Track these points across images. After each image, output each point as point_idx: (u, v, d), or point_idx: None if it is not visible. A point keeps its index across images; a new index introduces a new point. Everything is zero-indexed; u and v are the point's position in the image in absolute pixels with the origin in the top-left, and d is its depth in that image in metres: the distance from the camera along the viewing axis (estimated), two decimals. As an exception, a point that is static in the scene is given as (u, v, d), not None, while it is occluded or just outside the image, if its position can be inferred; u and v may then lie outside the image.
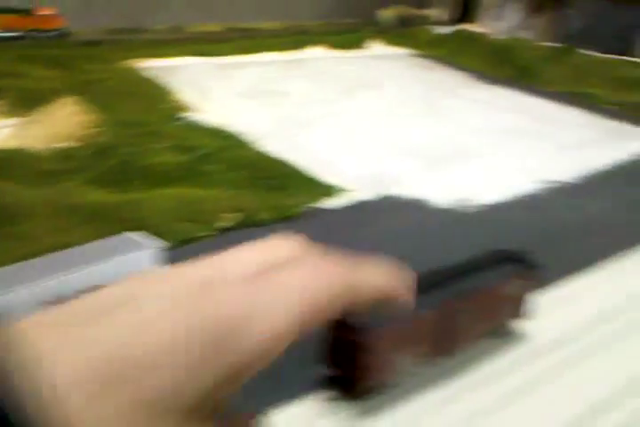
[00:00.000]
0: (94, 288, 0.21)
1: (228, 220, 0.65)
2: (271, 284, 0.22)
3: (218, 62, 1.51)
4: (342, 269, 0.23)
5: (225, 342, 0.20)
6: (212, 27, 2.04)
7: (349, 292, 0.23)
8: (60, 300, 0.21)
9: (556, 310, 0.53)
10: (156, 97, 1.12)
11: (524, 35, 2.30)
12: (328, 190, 0.78)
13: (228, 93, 1.23)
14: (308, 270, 0.23)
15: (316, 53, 1.70)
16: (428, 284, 0.38)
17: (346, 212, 0.72)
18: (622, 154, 1.00)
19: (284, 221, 0.68)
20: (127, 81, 1.19)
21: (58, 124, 0.89)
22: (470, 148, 1.00)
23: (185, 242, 0.61)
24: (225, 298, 0.21)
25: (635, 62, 1.60)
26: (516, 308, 0.45)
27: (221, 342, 0.20)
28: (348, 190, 0.79)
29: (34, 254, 0.43)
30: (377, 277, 0.25)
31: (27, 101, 1.04)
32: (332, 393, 0.38)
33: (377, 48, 1.86)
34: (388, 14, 2.36)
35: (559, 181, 0.85)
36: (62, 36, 1.53)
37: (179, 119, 1.01)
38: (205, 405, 0.21)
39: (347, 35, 1.94)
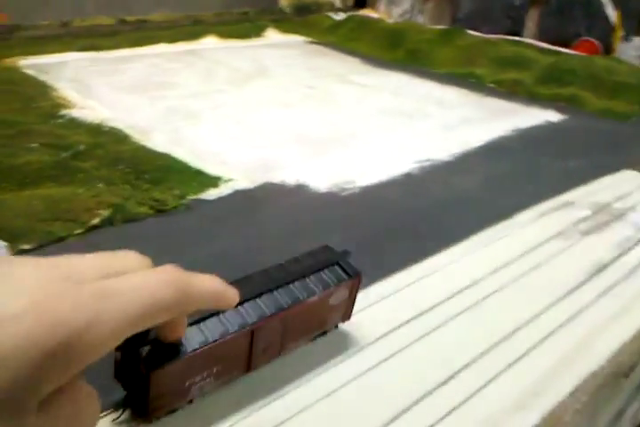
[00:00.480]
0: None
1: (100, 216, 0.64)
2: (111, 288, 0.24)
3: (106, 57, 1.47)
4: (174, 277, 0.27)
5: (65, 341, 0.22)
6: (103, 20, 1.97)
7: (181, 297, 0.26)
8: None
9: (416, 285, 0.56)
10: (34, 95, 1.07)
11: (417, 19, 2.36)
12: (210, 181, 0.78)
13: (113, 88, 1.19)
14: (144, 279, 0.26)
15: (210, 44, 1.68)
16: (249, 294, 0.35)
17: (224, 202, 0.72)
18: (500, 131, 1.05)
19: (161, 214, 0.68)
20: (4, 80, 1.14)
21: None
22: (356, 132, 1.02)
23: (54, 242, 0.60)
24: (71, 299, 0.23)
25: (514, 41, 1.68)
26: (339, 314, 0.43)
27: (62, 340, 0.21)
28: (230, 180, 0.79)
29: None
30: (207, 284, 0.29)
31: None
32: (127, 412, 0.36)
33: (273, 37, 1.86)
34: (286, 2, 2.36)
35: (437, 160, 0.89)
36: None
37: (57, 117, 0.98)
38: (23, 398, 0.22)
39: (243, 24, 1.92)
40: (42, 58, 1.37)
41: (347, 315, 0.44)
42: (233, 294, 0.31)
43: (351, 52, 1.69)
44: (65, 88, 1.14)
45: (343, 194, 0.74)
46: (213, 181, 0.76)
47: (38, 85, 1.14)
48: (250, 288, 0.36)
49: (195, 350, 0.32)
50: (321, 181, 0.77)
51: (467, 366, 0.43)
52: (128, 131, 0.92)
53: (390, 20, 2.04)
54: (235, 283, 0.33)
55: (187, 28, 1.84)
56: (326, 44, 1.77)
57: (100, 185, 0.69)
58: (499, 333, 0.48)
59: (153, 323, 0.25)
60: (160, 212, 0.67)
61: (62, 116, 0.96)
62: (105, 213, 0.61)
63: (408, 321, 0.51)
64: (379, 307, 0.52)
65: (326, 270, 0.39)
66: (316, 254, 0.41)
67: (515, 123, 1.07)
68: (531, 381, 0.42)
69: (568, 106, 1.22)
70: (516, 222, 0.69)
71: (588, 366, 0.43)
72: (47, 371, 0.22)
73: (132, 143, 0.86)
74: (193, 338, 0.32)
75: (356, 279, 0.42)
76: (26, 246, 0.58)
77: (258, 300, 0.35)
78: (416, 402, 0.41)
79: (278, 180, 0.78)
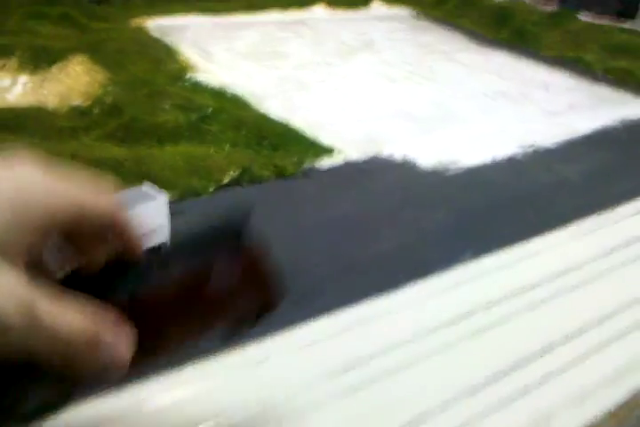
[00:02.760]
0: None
1: (230, 176, 0.71)
2: None
3: (222, 22, 1.54)
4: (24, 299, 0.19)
5: None
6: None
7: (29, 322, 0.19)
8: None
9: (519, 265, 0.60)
10: (162, 57, 1.16)
11: (526, -3, 2.30)
12: (324, 151, 0.84)
13: (230, 54, 1.27)
14: None
15: (318, 13, 1.73)
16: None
17: (337, 171, 0.78)
18: (607, 120, 1.05)
19: (280, 178, 0.74)
20: (135, 40, 1.23)
21: (70, 83, 0.94)
22: (460, 111, 1.05)
23: (188, 196, 0.68)
24: None
25: (626, 29, 1.63)
26: (252, 300, 0.32)
27: None
28: (341, 151, 0.85)
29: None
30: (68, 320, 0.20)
31: (37, 59, 1.09)
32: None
33: (380, 8, 1.88)
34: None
35: (540, 146, 0.91)
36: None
37: (184, 80, 1.06)
38: None
39: (350, -6, 1.95)
40: (165, 19, 1.45)
41: (268, 303, 0.33)
42: (120, 346, 0.22)
43: (457, 28, 1.68)
44: (188, 52, 1.22)
45: (448, 173, 0.78)
46: (327, 151, 0.82)
47: (164, 48, 1.23)
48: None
49: None
50: (426, 158, 0.82)
51: (562, 342, 0.47)
52: (247, 97, 0.99)
53: (497, -2, 2.01)
54: None
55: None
56: (432, 19, 1.78)
57: (227, 147, 0.76)
58: (589, 317, 0.51)
59: None
60: (281, 176, 0.73)
61: (188, 79, 1.04)
62: (234, 173, 0.68)
63: (509, 296, 0.55)
64: (468, 287, 0.57)
65: (215, 243, 0.30)
66: (211, 223, 0.31)
67: (623, 113, 1.07)
68: (620, 361, 0.46)
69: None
70: (617, 215, 0.72)
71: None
72: None
73: (251, 109, 0.93)
74: None
75: (251, 253, 0.31)
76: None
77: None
78: (526, 361, 0.46)
79: (385, 153, 0.83)
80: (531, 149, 0.90)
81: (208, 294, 0.28)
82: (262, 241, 0.30)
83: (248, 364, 0.42)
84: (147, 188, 0.52)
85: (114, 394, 0.38)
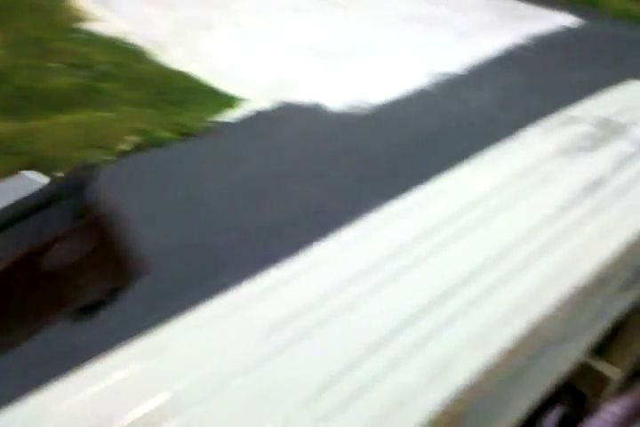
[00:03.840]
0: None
1: (129, 143, 0.68)
2: None
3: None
4: None
5: None
6: None
7: None
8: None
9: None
10: (52, 7, 1.07)
11: None
12: (229, 102, 0.81)
13: (125, -2, 1.18)
14: None
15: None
16: None
17: (244, 124, 0.76)
18: (514, 38, 1.04)
19: (185, 138, 0.72)
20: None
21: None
22: (370, 42, 1.03)
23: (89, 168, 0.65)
24: None
25: None
26: (99, 272, 0.31)
27: None
28: (248, 100, 0.82)
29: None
30: None
31: None
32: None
33: None
34: None
35: (449, 73, 0.90)
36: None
37: (76, 32, 0.99)
38: None
39: None
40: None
41: (122, 276, 0.31)
42: None
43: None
44: (79, -2, 1.13)
45: (357, 114, 0.77)
46: (232, 102, 0.79)
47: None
48: None
49: None
50: (336, 99, 0.80)
51: (464, 283, 0.48)
52: (146, 46, 0.94)
53: None
54: None
55: None
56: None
57: (126, 108, 0.73)
58: (495, 251, 0.52)
59: None
60: (184, 135, 0.71)
61: (81, 31, 0.97)
62: (133, 139, 0.66)
63: (419, 237, 0.56)
64: (383, 230, 0.57)
65: (49, 212, 0.27)
66: (47, 188, 0.28)
67: (530, 28, 1.06)
68: (519, 296, 0.47)
69: (585, 8, 1.18)
70: (522, 140, 0.72)
71: (570, 280, 0.48)
72: None
73: (150, 61, 0.88)
74: None
75: (98, 224, 0.29)
76: (62, 174, 0.63)
77: None
78: (425, 310, 0.47)
79: (294, 99, 0.81)
80: (440, 77, 0.89)
81: (43, 271, 0.27)
82: (113, 210, 0.30)
83: (150, 351, 0.42)
84: (27, 174, 0.50)
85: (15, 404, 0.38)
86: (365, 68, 0.91)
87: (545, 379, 0.65)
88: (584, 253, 0.54)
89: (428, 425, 0.40)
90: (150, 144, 0.66)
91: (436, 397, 0.40)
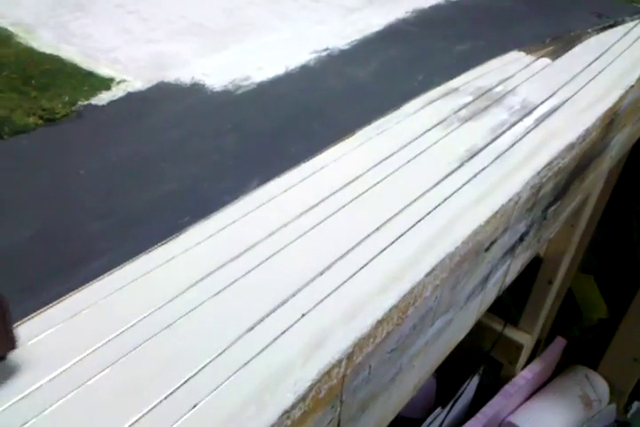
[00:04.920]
0: None
1: (-12, 130, 0.63)
2: None
3: None
4: None
5: None
6: None
7: None
8: None
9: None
10: None
11: None
12: (102, 84, 0.76)
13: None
14: None
15: None
16: None
17: (117, 106, 0.72)
18: (400, 12, 1.05)
19: (51, 124, 0.67)
20: None
21: None
22: (253, 19, 1.00)
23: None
24: None
25: None
26: None
27: None
28: (123, 81, 0.78)
29: None
30: None
31: None
32: None
33: None
34: None
35: (334, 49, 0.89)
36: None
37: None
38: None
39: None
40: None
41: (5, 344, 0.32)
42: None
43: None
44: None
45: (239, 92, 0.74)
46: (105, 84, 0.74)
47: None
48: None
49: None
50: (216, 78, 0.77)
51: (342, 256, 0.48)
52: (12, 29, 0.87)
53: None
54: None
55: None
56: None
57: (-15, 95, 0.67)
58: (374, 225, 0.53)
59: None
60: (50, 121, 0.66)
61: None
62: (-7, 125, 0.60)
63: (299, 215, 0.56)
64: (268, 206, 0.56)
65: None
66: None
67: (416, 2, 1.06)
68: (394, 267, 0.48)
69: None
70: (403, 112, 0.73)
71: (444, 248, 0.50)
72: None
73: (16, 44, 0.81)
74: None
75: None
76: None
77: None
78: (301, 288, 0.47)
79: (173, 78, 0.77)
80: (324, 54, 0.88)
81: None
82: None
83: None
84: None
85: None
86: (249, 45, 0.88)
87: (438, 347, 0.67)
88: (459, 221, 0.55)
89: (307, 399, 0.39)
90: (12, 131, 0.60)
91: (311, 370, 0.40)
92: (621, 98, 0.76)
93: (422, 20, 0.96)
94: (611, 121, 0.77)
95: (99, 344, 0.38)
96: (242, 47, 0.87)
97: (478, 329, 1.63)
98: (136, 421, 0.34)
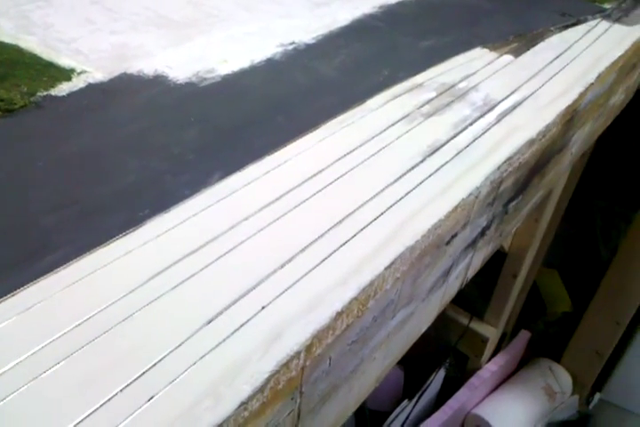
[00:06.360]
0: None
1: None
2: None
3: None
4: None
5: None
6: None
7: None
8: None
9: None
10: None
11: None
12: (62, 74, 0.75)
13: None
14: None
15: None
16: None
17: (79, 97, 0.70)
18: (367, 8, 1.05)
19: (9, 115, 0.66)
20: None
21: None
22: (219, 12, 0.99)
23: None
24: None
25: None
26: None
27: None
28: (84, 72, 0.77)
29: None
30: None
31: None
32: None
33: None
34: None
35: (301, 43, 0.89)
36: None
37: None
38: None
39: None
40: None
41: None
42: None
43: None
44: None
45: (203, 84, 0.74)
46: (66, 75, 0.73)
47: None
48: None
49: None
50: (180, 70, 0.76)
51: (303, 250, 0.48)
52: (-31, 18, 0.84)
53: None
54: None
55: None
56: None
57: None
58: (335, 218, 0.53)
59: None
60: (8, 111, 0.64)
61: None
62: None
63: (260, 209, 0.55)
64: (231, 199, 0.56)
65: None
66: None
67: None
68: (354, 260, 0.48)
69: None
70: (367, 107, 0.73)
71: (405, 241, 0.50)
72: None
73: (-29, 35, 0.79)
74: None
75: None
76: None
77: None
78: (261, 281, 0.47)
79: (135, 70, 0.76)
80: (290, 47, 0.88)
81: None
82: None
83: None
84: None
85: None
86: (214, 38, 0.87)
87: (400, 339, 0.67)
88: (420, 215, 0.56)
89: (265, 391, 0.39)
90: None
91: (270, 362, 0.40)
92: (581, 95, 0.78)
93: (389, 15, 0.97)
94: (571, 118, 0.78)
95: (53, 337, 0.38)
96: (207, 39, 0.86)
97: (444, 322, 1.65)
98: (91, 413, 0.33)
